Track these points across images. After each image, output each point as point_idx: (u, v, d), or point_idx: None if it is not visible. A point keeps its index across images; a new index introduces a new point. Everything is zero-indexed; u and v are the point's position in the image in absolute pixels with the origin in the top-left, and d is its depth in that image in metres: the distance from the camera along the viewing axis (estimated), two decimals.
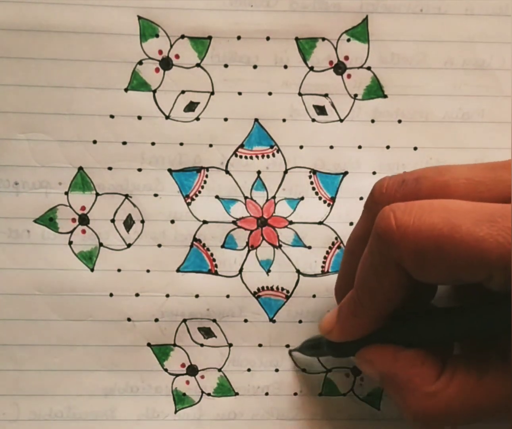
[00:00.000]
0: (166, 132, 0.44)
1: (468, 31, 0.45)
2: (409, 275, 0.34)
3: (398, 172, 0.45)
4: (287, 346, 0.45)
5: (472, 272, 0.32)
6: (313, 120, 0.45)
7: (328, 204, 0.45)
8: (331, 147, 0.45)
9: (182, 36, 0.44)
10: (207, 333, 0.45)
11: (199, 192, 0.45)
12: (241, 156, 0.45)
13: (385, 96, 0.45)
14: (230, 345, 0.45)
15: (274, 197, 0.45)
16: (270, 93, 0.45)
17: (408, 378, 0.36)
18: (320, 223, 0.45)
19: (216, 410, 0.45)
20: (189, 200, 0.45)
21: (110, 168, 0.44)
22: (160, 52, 0.44)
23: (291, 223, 0.45)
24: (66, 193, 0.44)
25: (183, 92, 0.44)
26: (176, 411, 0.45)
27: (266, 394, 0.46)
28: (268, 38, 0.44)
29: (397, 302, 0.36)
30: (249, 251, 0.45)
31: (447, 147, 0.45)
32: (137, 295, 0.45)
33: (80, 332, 0.45)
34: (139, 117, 0.44)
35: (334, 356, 0.42)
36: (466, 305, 0.37)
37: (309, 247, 0.45)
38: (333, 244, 0.45)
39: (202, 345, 0.45)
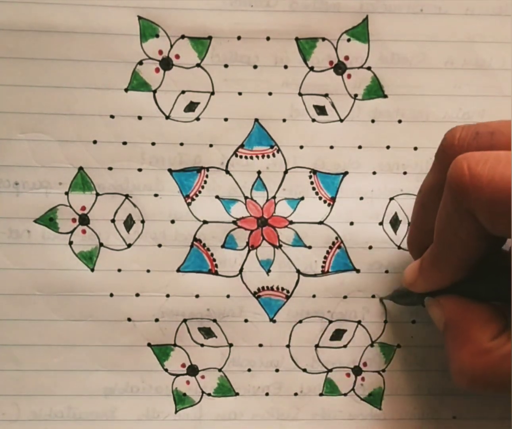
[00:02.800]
0: (166, 132, 0.44)
1: (468, 31, 0.45)
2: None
3: (398, 172, 0.45)
4: (287, 346, 0.45)
5: None
6: (313, 120, 0.45)
7: (328, 204, 0.45)
8: (331, 147, 0.45)
9: (182, 36, 0.44)
10: (207, 333, 0.45)
11: (199, 192, 0.45)
12: (241, 156, 0.45)
13: (385, 96, 0.45)
14: (230, 345, 0.45)
15: (274, 197, 0.45)
16: (270, 93, 0.45)
17: (470, 330, 0.37)
18: (320, 222, 0.45)
19: (217, 410, 0.45)
20: (189, 200, 0.45)
21: (110, 168, 0.44)
22: (160, 52, 0.44)
23: (291, 222, 0.45)
24: (66, 193, 0.44)
25: (183, 92, 0.44)
26: (176, 411, 0.45)
27: (267, 394, 0.46)
28: (268, 38, 0.44)
29: (476, 253, 0.36)
30: (249, 251, 0.45)
31: None
32: (137, 295, 0.45)
33: (80, 332, 0.45)
34: (139, 117, 0.44)
35: (424, 305, 0.42)
36: None
37: (309, 247, 0.45)
38: (333, 243, 0.45)
39: (202, 345, 0.45)
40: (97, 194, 0.44)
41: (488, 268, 0.38)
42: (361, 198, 0.45)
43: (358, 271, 0.45)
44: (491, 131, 0.35)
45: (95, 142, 0.44)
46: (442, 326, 0.39)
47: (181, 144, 0.44)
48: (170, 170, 0.44)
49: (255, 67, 0.44)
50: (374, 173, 0.45)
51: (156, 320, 0.45)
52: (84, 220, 0.44)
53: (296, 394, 0.46)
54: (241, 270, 0.45)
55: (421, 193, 0.40)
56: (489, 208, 0.33)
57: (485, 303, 0.38)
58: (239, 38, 0.44)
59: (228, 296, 0.45)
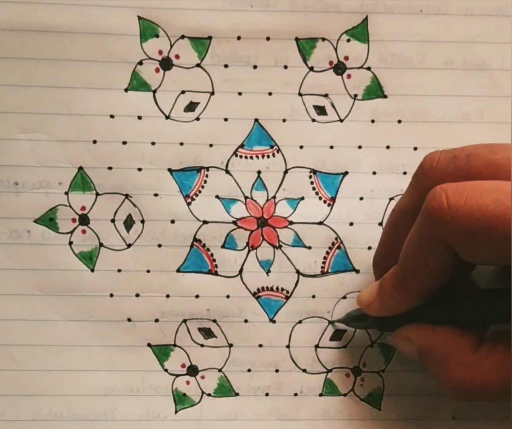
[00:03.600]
0: (166, 132, 0.44)
1: (468, 32, 0.45)
2: (455, 255, 0.35)
3: (398, 172, 0.45)
4: (287, 346, 0.45)
5: None
6: (313, 120, 0.45)
7: (328, 205, 0.45)
8: (331, 147, 0.45)
9: (182, 36, 0.44)
10: (207, 333, 0.45)
11: (199, 192, 0.45)
12: (241, 156, 0.45)
13: (385, 97, 0.45)
14: (230, 345, 0.45)
15: (274, 197, 0.45)
16: (270, 93, 0.45)
17: (446, 350, 0.37)
18: (320, 223, 0.45)
19: (217, 411, 0.45)
20: (189, 200, 0.45)
21: (110, 168, 0.44)
22: (160, 52, 0.44)
23: (291, 223, 0.45)
24: (66, 193, 0.44)
25: (183, 92, 0.44)
26: (176, 412, 0.45)
27: (267, 394, 0.46)
28: (268, 38, 0.44)
29: (440, 281, 0.37)
30: (249, 251, 0.45)
31: (447, 147, 0.45)
32: (137, 295, 0.45)
33: (80, 332, 0.45)
34: (139, 117, 0.44)
35: (379, 329, 0.43)
36: (505, 287, 0.37)
37: (309, 247, 0.45)
38: (333, 244, 0.45)
39: (202, 345, 0.45)
40: (97, 194, 0.44)
41: (445, 293, 0.38)
42: (361, 198, 0.45)
43: (357, 271, 0.45)
44: (467, 154, 0.36)
45: (95, 142, 0.44)
46: (416, 355, 0.39)
47: (181, 144, 0.44)
48: (170, 170, 0.44)
49: (255, 67, 0.44)
50: (374, 173, 0.45)
51: (156, 320, 0.45)
52: (84, 220, 0.44)
53: (296, 394, 0.46)
54: (241, 270, 0.45)
55: (394, 213, 0.40)
56: (467, 237, 0.33)
57: (446, 325, 0.38)
58: (239, 38, 0.44)
59: (228, 296, 0.45)
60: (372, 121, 0.45)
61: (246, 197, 0.45)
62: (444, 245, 0.35)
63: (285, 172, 0.45)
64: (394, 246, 0.39)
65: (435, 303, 0.38)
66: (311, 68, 0.45)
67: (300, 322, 0.45)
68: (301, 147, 0.45)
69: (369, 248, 0.45)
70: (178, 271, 0.45)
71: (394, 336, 0.40)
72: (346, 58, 0.45)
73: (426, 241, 0.35)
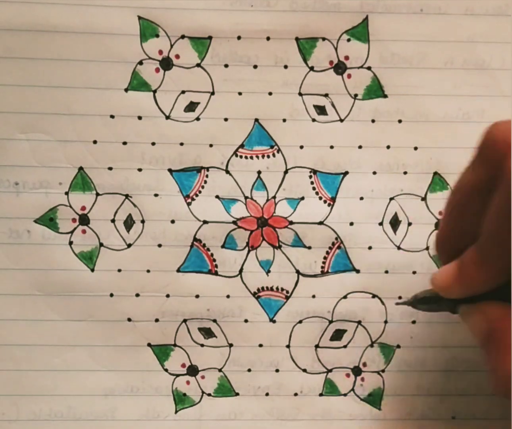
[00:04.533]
0: (166, 132, 0.44)
1: (468, 31, 0.45)
2: None
3: (399, 172, 0.45)
4: (287, 346, 0.45)
5: None
6: (314, 120, 0.45)
7: (329, 204, 0.45)
8: (332, 147, 0.45)
9: (183, 36, 0.44)
10: (207, 333, 0.45)
11: (200, 192, 0.45)
12: (241, 156, 0.45)
13: (385, 96, 0.45)
14: (230, 345, 0.45)
15: (274, 197, 0.45)
16: (270, 93, 0.45)
17: None
18: (321, 223, 0.45)
19: (217, 410, 0.46)
20: (189, 200, 0.45)
21: (110, 168, 0.44)
22: (161, 52, 0.44)
23: (291, 223, 0.45)
24: (67, 193, 0.44)
25: (183, 92, 0.44)
26: (176, 411, 0.46)
27: (267, 394, 0.46)
28: (268, 38, 0.44)
29: None
30: (249, 251, 0.45)
31: (447, 147, 0.45)
32: (137, 295, 0.45)
33: (80, 332, 0.45)
34: (139, 117, 0.44)
35: (453, 312, 0.40)
36: None
37: (309, 247, 0.45)
38: (333, 244, 0.45)
39: (202, 345, 0.45)
40: (97, 194, 0.44)
41: None
42: (361, 198, 0.45)
43: (358, 271, 0.45)
44: None
45: (95, 142, 0.44)
46: (484, 336, 0.37)
47: (181, 144, 0.44)
48: (170, 170, 0.44)
49: (255, 67, 0.44)
50: (374, 173, 0.45)
51: (156, 320, 0.45)
52: (84, 219, 0.44)
53: (296, 394, 0.46)
54: (241, 270, 0.45)
55: (459, 193, 0.38)
56: None
57: None
58: (239, 38, 0.44)
59: (228, 296, 0.45)
60: (373, 121, 0.45)
61: (246, 197, 0.45)
62: None
63: (285, 172, 0.45)
64: (462, 228, 0.37)
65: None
66: (311, 68, 0.45)
67: (300, 322, 0.45)
68: (301, 147, 0.45)
69: (370, 247, 0.45)
70: (178, 270, 0.45)
71: (470, 308, 0.38)
72: (347, 58, 0.45)
73: (508, 207, 0.33)
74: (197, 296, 0.45)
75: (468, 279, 0.37)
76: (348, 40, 0.45)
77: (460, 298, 0.38)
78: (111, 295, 0.45)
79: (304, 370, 0.46)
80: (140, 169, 0.44)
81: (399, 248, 0.45)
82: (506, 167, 0.33)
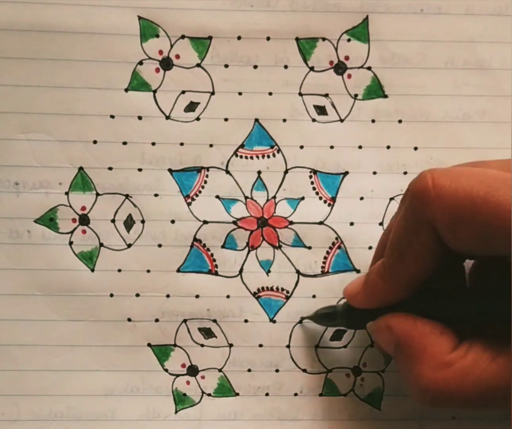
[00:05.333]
0: (166, 132, 0.44)
1: (468, 31, 0.45)
2: (440, 240, 0.35)
3: (399, 172, 0.45)
4: (288, 346, 0.45)
5: (504, 237, 0.32)
6: (314, 120, 0.45)
7: (329, 204, 0.45)
8: (332, 147, 0.45)
9: (183, 36, 0.44)
10: (207, 333, 0.45)
11: (200, 192, 0.45)
12: (241, 156, 0.45)
13: (386, 96, 0.45)
14: (230, 345, 0.45)
15: (274, 197, 0.45)
16: (270, 93, 0.45)
17: (425, 345, 0.36)
18: (321, 223, 0.45)
19: (217, 411, 0.45)
20: (189, 200, 0.45)
21: (110, 168, 0.44)
22: (161, 52, 0.44)
23: (291, 223, 0.45)
24: (67, 193, 0.44)
25: (183, 92, 0.44)
26: (176, 412, 0.45)
27: (267, 394, 0.46)
28: (268, 38, 0.44)
29: (426, 271, 0.37)
30: (249, 251, 0.45)
31: (447, 147, 0.45)
32: (137, 295, 0.45)
33: (80, 332, 0.45)
34: (140, 117, 0.44)
35: (348, 327, 0.43)
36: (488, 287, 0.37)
37: (309, 247, 0.45)
38: (333, 244, 0.45)
39: (202, 345, 0.45)
40: (97, 194, 0.44)
41: (426, 291, 0.38)
42: (361, 198, 0.45)
43: (358, 271, 0.45)
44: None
45: (95, 142, 0.44)
46: (393, 348, 0.38)
47: (181, 144, 0.44)
48: (170, 170, 0.44)
49: (255, 67, 0.44)
50: (374, 173, 0.45)
51: (156, 320, 0.45)
52: (84, 220, 0.44)
53: (296, 394, 0.46)
54: (241, 270, 0.45)
55: (386, 232, 0.41)
56: (451, 217, 0.34)
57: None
58: (239, 38, 0.44)
59: (228, 296, 0.45)
60: (373, 121, 0.45)
61: (246, 198, 0.45)
62: (429, 226, 0.35)
63: (285, 172, 0.45)
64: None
65: (418, 298, 0.38)
66: (312, 68, 0.45)
67: (300, 322, 0.45)
68: (301, 147, 0.45)
69: (370, 247, 0.45)
70: (178, 271, 0.45)
71: (375, 323, 0.39)
72: (347, 58, 0.45)
73: (410, 223, 0.35)
74: (197, 296, 0.45)
75: (372, 289, 0.39)
76: (348, 40, 0.45)
77: (365, 307, 0.40)
78: (111, 295, 0.45)
79: (304, 370, 0.46)
80: (140, 169, 0.44)
81: None
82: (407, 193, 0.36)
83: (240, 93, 0.45)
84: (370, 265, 0.42)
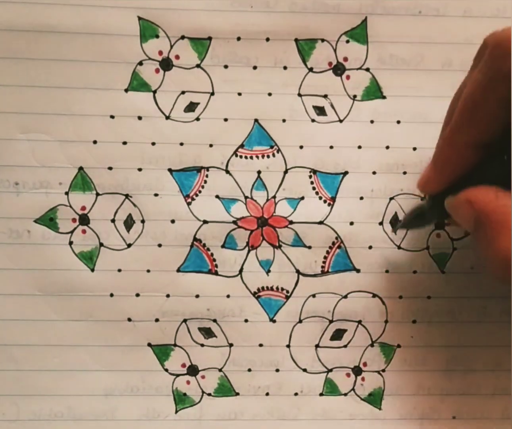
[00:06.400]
0: (166, 132, 0.44)
1: (466, 33, 0.45)
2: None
3: (398, 172, 0.45)
4: (288, 345, 0.45)
5: None
6: (313, 120, 0.45)
7: (329, 204, 0.45)
8: (331, 147, 0.45)
9: (182, 37, 0.44)
10: (207, 333, 0.45)
11: (200, 192, 0.45)
12: (241, 156, 0.45)
13: (384, 97, 0.45)
14: (230, 345, 0.45)
15: (274, 197, 0.45)
16: (270, 94, 0.45)
17: (506, 217, 0.35)
18: (321, 222, 0.45)
19: (217, 410, 0.45)
20: (189, 200, 0.45)
21: (110, 168, 0.44)
22: (160, 52, 0.44)
23: (291, 222, 0.45)
24: (67, 193, 0.44)
25: (183, 92, 0.44)
26: (176, 411, 0.45)
27: (267, 394, 0.46)
28: (268, 39, 0.44)
29: (494, 130, 0.36)
30: (249, 251, 0.45)
31: None
32: (137, 295, 0.45)
33: (80, 332, 0.45)
34: (139, 118, 0.44)
35: (439, 219, 0.42)
36: None
37: (309, 247, 0.45)
38: (333, 243, 0.45)
39: (202, 345, 0.45)
40: (97, 194, 0.44)
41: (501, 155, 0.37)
42: (361, 198, 0.45)
43: (358, 270, 0.45)
44: None
45: (95, 142, 0.44)
46: (473, 223, 0.37)
47: (181, 144, 0.44)
48: (170, 170, 0.45)
49: (254, 68, 0.45)
50: (374, 173, 0.45)
51: (156, 320, 0.45)
52: (84, 219, 0.44)
53: (296, 394, 0.46)
54: (241, 270, 0.45)
55: (457, 95, 0.39)
56: None
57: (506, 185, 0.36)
58: (239, 39, 0.44)
59: (228, 296, 0.45)
60: (372, 121, 0.45)
61: (246, 197, 0.45)
62: (508, 81, 0.34)
63: (285, 172, 0.45)
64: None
65: (493, 166, 0.37)
66: (311, 69, 0.45)
67: (300, 321, 0.45)
68: (301, 147, 0.45)
69: (370, 247, 0.45)
70: (178, 270, 0.45)
71: (455, 198, 0.38)
72: (345, 59, 0.45)
73: (489, 76, 0.35)
74: (197, 296, 0.45)
75: (442, 163, 0.38)
76: (347, 41, 0.45)
77: (441, 188, 0.39)
78: (111, 295, 0.45)
79: (305, 370, 0.46)
80: (140, 169, 0.44)
81: (399, 247, 0.45)
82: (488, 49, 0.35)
83: (239, 94, 0.45)
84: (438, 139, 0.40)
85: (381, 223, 0.45)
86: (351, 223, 0.45)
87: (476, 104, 0.36)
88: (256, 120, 0.45)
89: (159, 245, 0.45)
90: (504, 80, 0.34)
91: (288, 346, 0.45)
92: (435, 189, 0.39)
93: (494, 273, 0.36)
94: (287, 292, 0.45)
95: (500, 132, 0.36)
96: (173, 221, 0.45)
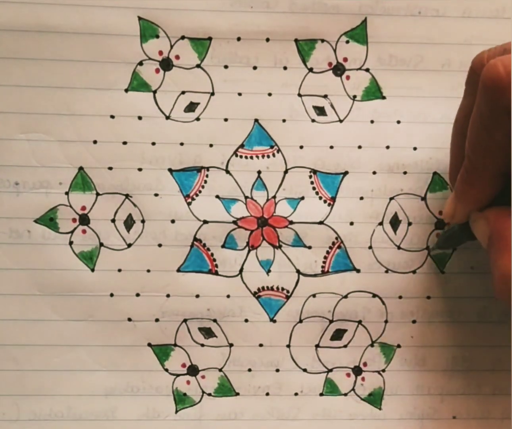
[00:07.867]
0: (166, 132, 0.44)
1: (465, 34, 0.45)
2: None
3: (399, 172, 0.45)
4: (288, 345, 0.45)
5: None
6: (313, 120, 0.45)
7: (329, 204, 0.45)
8: (331, 147, 0.45)
9: (183, 37, 0.44)
10: (207, 333, 0.45)
11: (200, 192, 0.45)
12: (241, 156, 0.45)
13: (384, 98, 0.45)
14: (230, 345, 0.45)
15: (274, 197, 0.45)
16: (270, 94, 0.45)
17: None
18: (321, 222, 0.45)
19: (217, 410, 0.45)
20: (189, 200, 0.45)
21: (110, 168, 0.44)
22: (161, 53, 0.44)
23: (291, 222, 0.45)
24: (67, 193, 0.44)
25: (183, 92, 0.44)
26: (176, 411, 0.45)
27: (267, 394, 0.46)
28: (268, 40, 0.44)
29: (508, 157, 0.36)
30: (249, 251, 0.45)
31: (447, 147, 0.45)
32: (137, 295, 0.45)
33: (81, 332, 0.45)
34: (140, 118, 0.44)
35: (468, 239, 0.42)
36: None
37: (309, 247, 0.45)
38: (333, 243, 0.45)
39: (202, 345, 0.45)
40: (97, 194, 0.44)
41: None
42: (361, 198, 0.45)
43: (358, 270, 0.45)
44: None
45: (95, 142, 0.44)
46: (487, 240, 0.38)
47: (181, 144, 0.44)
48: (170, 170, 0.45)
49: (254, 68, 0.45)
50: (374, 173, 0.45)
51: (156, 320, 0.45)
52: (84, 219, 0.44)
53: (296, 394, 0.46)
54: (241, 270, 0.45)
55: (457, 122, 0.40)
56: None
57: None
58: (239, 39, 0.44)
59: (228, 296, 0.45)
60: (372, 121, 0.45)
61: (246, 197, 0.45)
62: (507, 114, 0.34)
63: (285, 172, 0.45)
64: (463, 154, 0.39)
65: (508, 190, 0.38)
66: (311, 69, 0.45)
67: (300, 321, 0.45)
68: (301, 147, 0.45)
69: (370, 247, 0.45)
70: (178, 270, 0.45)
71: (477, 214, 0.40)
72: (345, 59, 0.45)
73: (488, 115, 0.35)
74: (197, 296, 0.45)
75: (464, 201, 0.39)
76: (347, 42, 0.45)
77: (466, 219, 0.40)
78: (111, 295, 0.45)
79: (305, 370, 0.46)
80: (140, 169, 0.44)
81: (399, 247, 0.45)
82: (479, 82, 0.35)
83: (239, 94, 0.45)
84: (449, 171, 0.42)
85: (381, 223, 0.45)
86: (351, 223, 0.45)
87: (485, 145, 0.36)
88: (256, 120, 0.45)
89: (159, 245, 0.45)
90: (504, 115, 0.34)
91: (288, 346, 0.45)
92: (461, 220, 0.41)
93: (496, 286, 0.37)
94: (287, 292, 0.45)
95: None
96: (173, 221, 0.45)
